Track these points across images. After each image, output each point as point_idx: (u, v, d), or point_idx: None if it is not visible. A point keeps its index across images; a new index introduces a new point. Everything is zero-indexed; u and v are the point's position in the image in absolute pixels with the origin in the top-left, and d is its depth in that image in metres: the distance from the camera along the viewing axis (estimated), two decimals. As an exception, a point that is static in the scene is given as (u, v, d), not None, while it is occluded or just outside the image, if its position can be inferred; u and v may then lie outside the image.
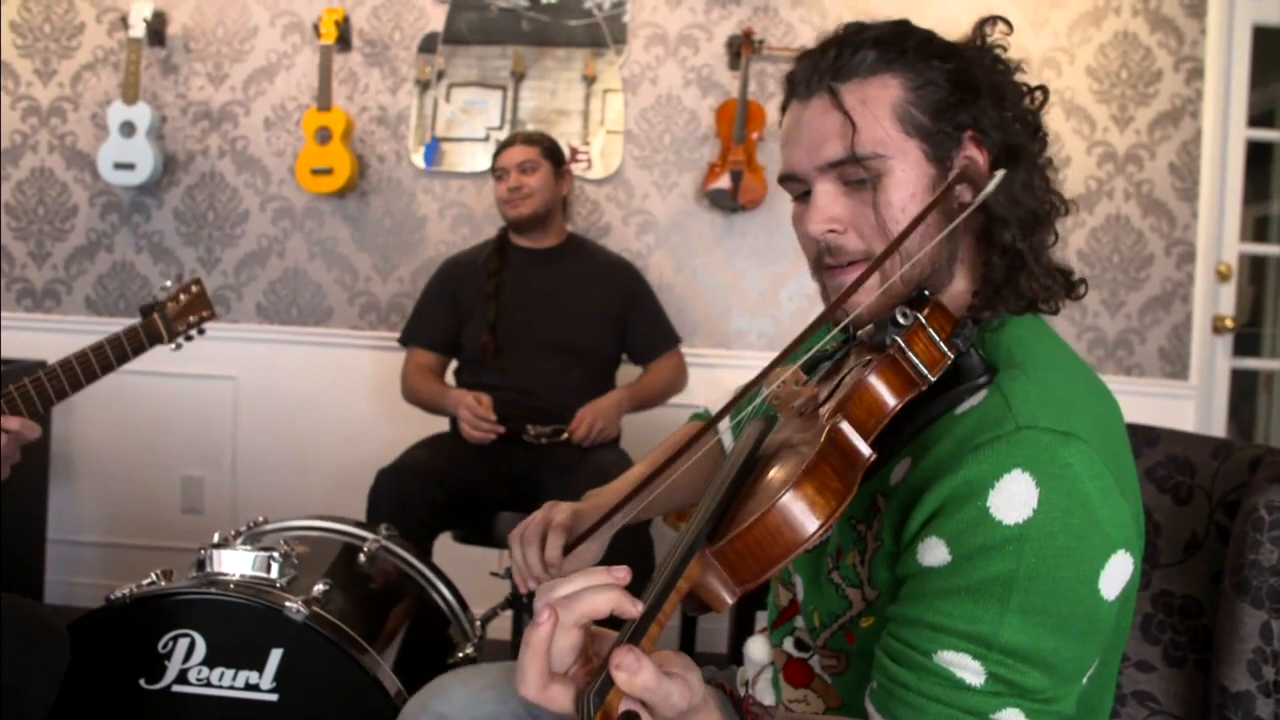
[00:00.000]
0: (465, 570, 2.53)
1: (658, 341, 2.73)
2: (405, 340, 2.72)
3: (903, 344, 0.84)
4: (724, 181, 3.04)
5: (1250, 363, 3.30)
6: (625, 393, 2.59)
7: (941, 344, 0.85)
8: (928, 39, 0.94)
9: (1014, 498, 0.78)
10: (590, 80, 3.14)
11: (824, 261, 0.97)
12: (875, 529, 0.90)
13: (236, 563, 1.47)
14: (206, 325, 1.84)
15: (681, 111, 3.14)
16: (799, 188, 0.99)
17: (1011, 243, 0.92)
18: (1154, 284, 3.07)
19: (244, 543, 1.67)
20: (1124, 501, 0.82)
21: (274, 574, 1.46)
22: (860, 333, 0.94)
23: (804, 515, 0.75)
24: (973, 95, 0.92)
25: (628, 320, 2.68)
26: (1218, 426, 3.07)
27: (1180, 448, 1.29)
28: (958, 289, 0.96)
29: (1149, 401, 3.02)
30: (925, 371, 0.84)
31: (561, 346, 2.56)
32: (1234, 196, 3.06)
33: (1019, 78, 0.97)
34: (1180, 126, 3.04)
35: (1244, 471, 1.19)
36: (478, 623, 1.81)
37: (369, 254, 3.20)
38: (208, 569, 1.47)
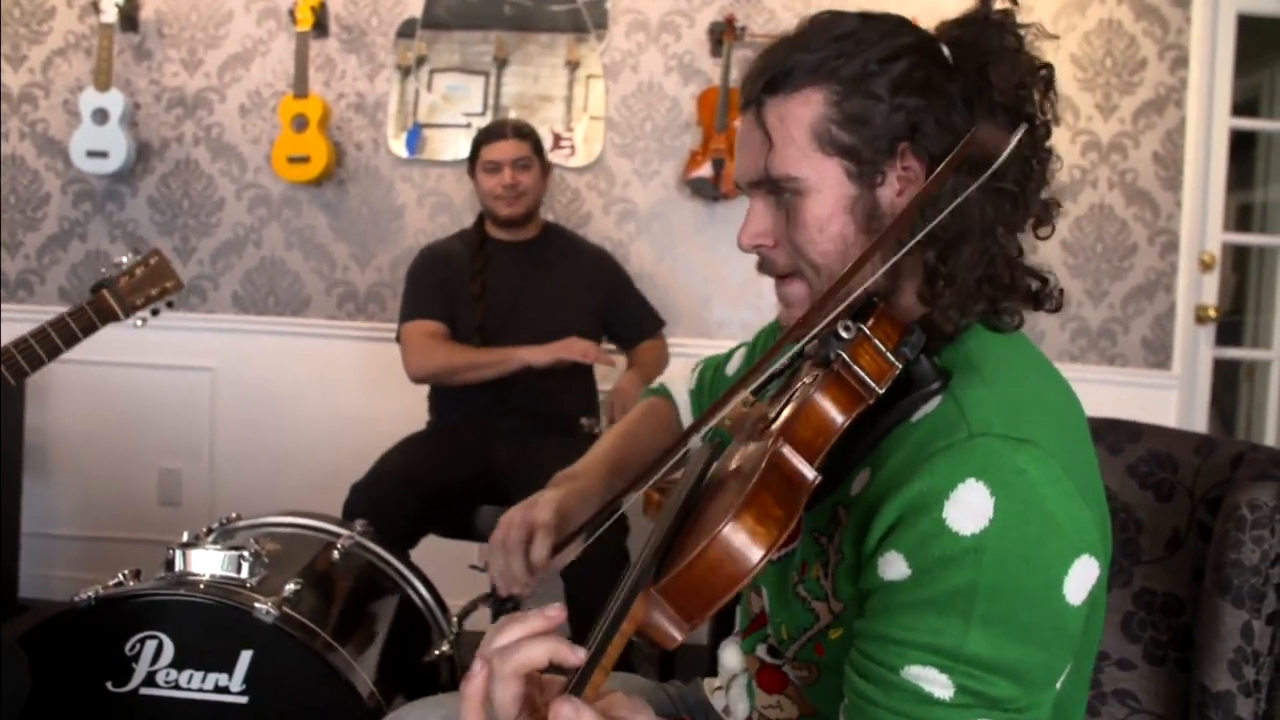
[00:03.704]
0: (444, 563, 2.51)
1: (645, 326, 2.73)
2: (408, 317, 2.56)
3: (847, 358, 0.82)
4: (706, 170, 3.01)
5: (1233, 352, 3.30)
6: (637, 376, 2.58)
7: (888, 354, 0.83)
8: (877, 40, 0.89)
9: (969, 507, 0.77)
10: (573, 66, 3.10)
11: (763, 270, 0.98)
12: (836, 542, 0.89)
13: (206, 562, 1.44)
14: (174, 300, 1.78)
15: (663, 99, 3.11)
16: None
17: (934, 264, 0.87)
18: (1137, 274, 3.06)
19: (215, 540, 1.64)
20: (1085, 506, 0.81)
21: (244, 574, 1.43)
22: (807, 348, 0.91)
23: (745, 546, 0.73)
24: (920, 99, 0.87)
25: (610, 309, 2.67)
26: (1200, 416, 3.07)
27: (1162, 444, 1.28)
28: (907, 302, 0.92)
29: (1132, 391, 3.02)
30: (872, 384, 0.82)
31: (548, 338, 2.53)
32: (1218, 186, 3.06)
33: (1028, 56, 0.90)
34: (1164, 115, 3.03)
35: (1226, 468, 1.18)
36: (454, 619, 1.78)
37: (347, 243, 3.16)
38: (177, 569, 1.44)
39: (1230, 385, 3.53)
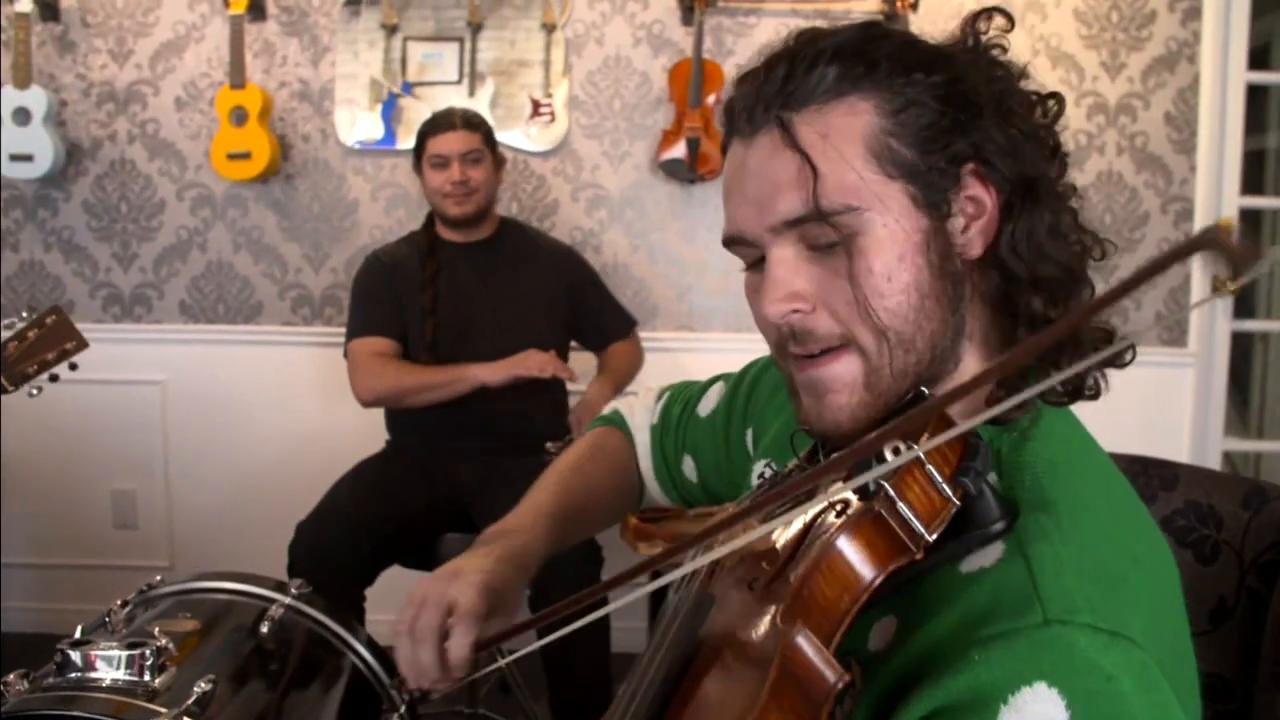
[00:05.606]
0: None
1: (614, 327, 2.54)
2: (354, 334, 2.37)
3: (893, 493, 0.61)
4: (679, 150, 2.79)
5: (1251, 325, 3.09)
6: (606, 384, 2.41)
7: (944, 486, 0.61)
8: (905, 45, 0.72)
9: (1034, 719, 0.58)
10: (550, 28, 2.88)
11: (789, 350, 0.74)
12: (846, 707, 0.69)
13: (101, 664, 1.25)
14: (77, 362, 1.60)
15: (631, 74, 2.88)
16: (751, 253, 0.75)
17: (1041, 311, 0.71)
18: (1149, 245, 2.86)
19: (131, 613, 1.45)
20: (1183, 715, 0.62)
21: (146, 676, 1.24)
22: (835, 455, 0.69)
23: None
24: (970, 115, 0.70)
25: (575, 310, 2.47)
26: (1218, 397, 2.89)
27: (1202, 492, 1.12)
28: (967, 370, 0.73)
29: (1145, 372, 2.83)
30: (921, 529, 0.61)
31: (507, 348, 2.33)
32: (1234, 146, 2.83)
33: (1026, 85, 0.75)
34: (1176, 72, 2.80)
35: (1281, 527, 1.01)
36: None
37: (298, 243, 2.95)
38: (70, 673, 1.25)
39: (1245, 357, 3.32)
